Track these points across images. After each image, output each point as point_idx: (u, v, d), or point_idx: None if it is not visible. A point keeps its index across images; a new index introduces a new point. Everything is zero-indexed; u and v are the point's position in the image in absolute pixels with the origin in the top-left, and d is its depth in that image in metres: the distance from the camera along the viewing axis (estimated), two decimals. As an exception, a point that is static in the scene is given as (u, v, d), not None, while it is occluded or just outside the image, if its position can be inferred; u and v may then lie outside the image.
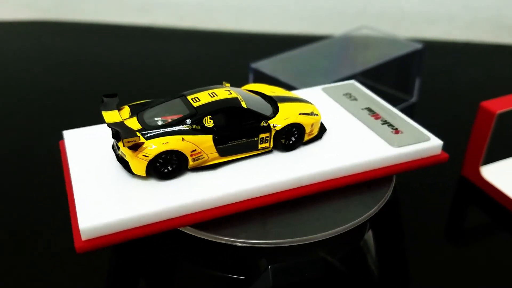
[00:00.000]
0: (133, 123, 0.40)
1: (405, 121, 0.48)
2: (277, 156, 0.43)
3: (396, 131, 0.46)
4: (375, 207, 0.42)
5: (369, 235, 0.46)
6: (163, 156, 0.38)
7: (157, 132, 0.39)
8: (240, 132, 0.41)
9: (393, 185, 0.45)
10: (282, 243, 0.39)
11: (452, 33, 1.08)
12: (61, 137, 0.48)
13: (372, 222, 0.47)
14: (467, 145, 0.58)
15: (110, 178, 0.40)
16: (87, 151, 0.44)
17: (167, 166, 0.39)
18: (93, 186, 0.39)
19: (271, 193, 0.40)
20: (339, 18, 1.11)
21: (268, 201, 0.40)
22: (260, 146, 0.42)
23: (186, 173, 0.41)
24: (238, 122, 0.41)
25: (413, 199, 0.55)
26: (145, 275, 0.45)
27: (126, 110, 0.43)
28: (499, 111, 0.53)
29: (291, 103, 0.45)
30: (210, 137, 0.40)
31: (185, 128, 0.40)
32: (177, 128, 0.39)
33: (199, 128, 0.40)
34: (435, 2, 1.08)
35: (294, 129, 0.43)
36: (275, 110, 0.44)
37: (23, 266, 0.46)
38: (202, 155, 0.40)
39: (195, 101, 0.41)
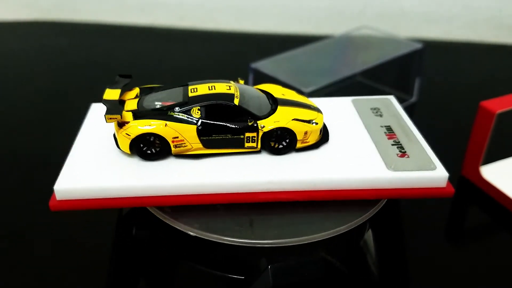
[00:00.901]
0: (132, 104, 0.43)
1: (420, 146, 0.44)
2: (265, 158, 0.43)
3: (403, 154, 0.43)
4: (375, 207, 0.42)
5: (369, 235, 0.46)
6: (147, 137, 0.41)
7: (145, 115, 0.41)
8: (225, 127, 0.41)
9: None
10: (282, 243, 0.39)
11: (452, 33, 1.08)
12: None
13: (372, 222, 0.47)
14: (467, 145, 0.58)
15: (105, 153, 0.43)
16: (101, 125, 0.46)
17: (150, 148, 0.42)
18: (87, 156, 0.43)
19: (244, 191, 0.40)
20: (339, 18, 1.11)
21: (240, 199, 0.40)
22: (246, 144, 0.42)
23: (176, 159, 0.42)
24: (224, 117, 0.42)
25: (412, 199, 0.55)
26: (145, 275, 0.45)
27: (135, 91, 0.46)
28: (499, 111, 0.53)
29: (292, 107, 0.44)
30: (194, 127, 0.41)
31: (171, 115, 0.41)
32: (165, 114, 0.41)
33: (185, 117, 0.41)
34: (435, 2, 1.08)
35: (286, 133, 0.42)
36: (272, 112, 0.44)
37: (22, 266, 0.46)
38: (184, 143, 0.42)
39: (192, 91, 0.43)
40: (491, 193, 0.55)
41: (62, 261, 0.47)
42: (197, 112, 0.41)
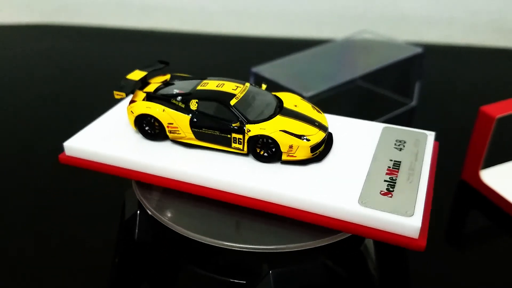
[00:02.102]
0: (152, 87, 0.48)
1: (414, 191, 0.39)
2: (255, 164, 0.43)
3: (388, 192, 0.38)
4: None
5: (369, 240, 0.46)
6: (148, 118, 0.45)
7: (153, 98, 0.46)
8: (214, 124, 0.43)
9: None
10: (283, 248, 0.39)
11: (452, 37, 1.08)
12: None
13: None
14: (466, 149, 0.58)
15: (120, 127, 0.48)
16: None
17: (150, 128, 0.45)
18: (103, 127, 0.48)
19: (213, 188, 0.41)
20: (339, 22, 1.11)
21: (206, 194, 0.42)
22: (233, 145, 0.43)
23: (175, 146, 0.45)
24: (217, 114, 0.43)
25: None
26: (147, 279, 0.46)
27: (166, 77, 0.50)
28: (498, 116, 0.53)
29: (290, 119, 0.43)
30: (187, 117, 0.44)
31: (173, 103, 0.45)
32: (168, 101, 0.45)
33: (183, 106, 0.44)
34: (436, 6, 1.09)
35: (271, 142, 0.42)
36: (267, 119, 0.43)
37: (24, 267, 0.46)
38: (178, 130, 0.44)
39: (202, 85, 0.45)
40: (491, 197, 0.56)
41: (64, 262, 0.47)
42: (195, 105, 0.44)
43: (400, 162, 0.42)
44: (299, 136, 0.42)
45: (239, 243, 0.39)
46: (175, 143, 0.45)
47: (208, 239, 0.40)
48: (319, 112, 0.46)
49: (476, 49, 1.04)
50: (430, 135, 0.47)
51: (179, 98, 0.44)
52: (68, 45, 1.05)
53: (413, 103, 0.77)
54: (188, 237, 0.40)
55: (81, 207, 0.55)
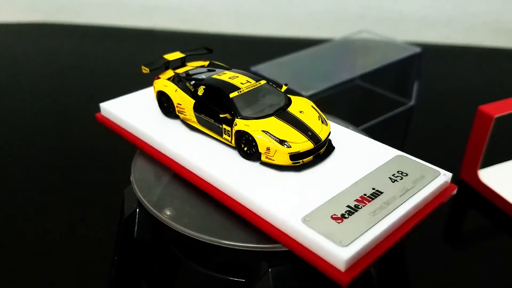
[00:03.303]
0: (184, 69, 0.51)
1: (367, 224, 0.35)
2: (238, 158, 0.43)
3: (339, 218, 0.36)
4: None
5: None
6: (166, 95, 0.48)
7: (175, 78, 0.49)
8: (211, 112, 0.44)
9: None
10: (282, 246, 0.39)
11: (450, 37, 1.09)
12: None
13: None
14: (465, 148, 0.58)
15: (152, 102, 0.52)
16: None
17: (167, 105, 0.49)
18: (141, 99, 0.53)
19: (192, 172, 0.43)
20: (338, 22, 1.11)
21: (184, 175, 0.44)
22: (224, 135, 0.44)
23: (188, 130, 0.47)
24: (217, 103, 0.44)
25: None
26: (146, 276, 0.46)
27: (204, 63, 0.53)
28: (497, 115, 0.53)
29: (282, 122, 0.42)
30: (193, 101, 0.46)
31: (186, 85, 0.47)
32: (184, 83, 0.47)
33: (192, 90, 0.46)
34: (434, 7, 1.09)
35: (252, 140, 0.42)
36: (260, 118, 0.43)
37: (24, 265, 0.46)
38: (184, 112, 0.47)
39: (218, 74, 0.47)
40: (489, 197, 0.56)
41: (65, 259, 0.47)
42: (201, 91, 0.45)
43: (381, 193, 0.38)
44: (280, 141, 0.40)
45: (239, 241, 0.39)
46: (183, 123, 0.48)
47: (207, 237, 0.40)
48: (324, 123, 0.44)
49: (474, 49, 1.04)
50: (444, 175, 0.41)
51: (192, 82, 0.47)
52: (68, 44, 1.05)
53: (412, 102, 0.78)
54: (187, 235, 0.40)
55: (80, 205, 0.55)
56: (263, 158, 0.41)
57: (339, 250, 0.33)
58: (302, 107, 0.45)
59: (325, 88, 0.63)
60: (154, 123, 0.49)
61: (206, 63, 0.53)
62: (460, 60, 1.00)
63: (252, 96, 0.44)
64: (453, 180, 0.59)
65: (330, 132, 0.44)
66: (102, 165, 0.62)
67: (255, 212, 0.38)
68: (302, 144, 0.41)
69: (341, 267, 0.33)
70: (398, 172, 0.41)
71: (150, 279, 0.46)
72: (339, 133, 0.47)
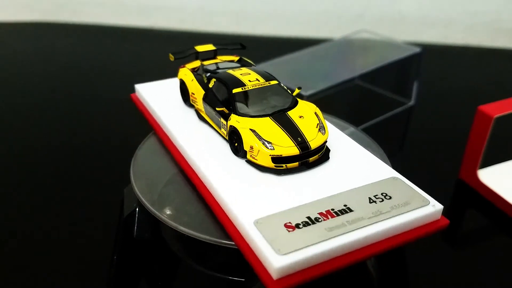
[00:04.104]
0: (212, 61, 0.53)
1: (316, 238, 0.34)
2: (228, 152, 0.44)
3: (293, 227, 0.34)
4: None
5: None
6: (184, 84, 0.51)
7: (198, 70, 0.51)
8: (214, 104, 0.45)
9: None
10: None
11: (450, 37, 1.09)
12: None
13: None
14: (464, 148, 0.58)
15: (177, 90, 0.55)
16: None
17: (185, 93, 0.51)
18: (169, 86, 0.57)
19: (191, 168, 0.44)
20: (338, 22, 1.11)
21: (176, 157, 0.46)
22: (221, 129, 0.45)
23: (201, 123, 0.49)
24: (222, 97, 0.45)
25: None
26: (145, 276, 0.46)
27: (235, 58, 0.54)
28: (496, 115, 0.53)
29: (276, 124, 0.42)
30: (203, 92, 0.47)
31: (202, 76, 0.49)
32: (201, 74, 0.49)
33: (205, 82, 0.48)
34: (434, 6, 1.09)
35: (240, 137, 0.42)
36: (255, 116, 0.43)
37: (24, 265, 0.46)
38: (196, 101, 0.49)
39: (234, 70, 0.48)
40: (488, 196, 0.56)
41: (61, 261, 0.47)
42: (212, 83, 0.47)
43: (350, 211, 0.36)
44: (264, 142, 0.40)
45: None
46: (195, 112, 0.50)
47: (207, 237, 0.40)
48: (321, 131, 0.42)
49: (474, 49, 1.04)
50: (432, 206, 0.37)
51: (208, 74, 0.48)
52: (67, 44, 1.05)
53: (411, 102, 0.78)
54: (187, 235, 0.40)
55: (80, 205, 0.55)
56: (248, 156, 0.42)
57: (274, 257, 0.32)
58: (304, 112, 0.44)
59: (325, 88, 0.63)
60: (171, 110, 0.51)
61: (236, 58, 0.54)
62: (460, 60, 1.00)
63: (256, 94, 0.44)
64: (453, 179, 0.58)
65: (325, 141, 0.42)
66: (102, 164, 0.62)
67: (221, 206, 0.38)
68: (287, 148, 0.40)
69: (273, 275, 0.32)
70: (382, 194, 0.39)
71: (149, 278, 0.45)
72: (341, 142, 0.46)
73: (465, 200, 0.58)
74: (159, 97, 0.54)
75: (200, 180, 0.42)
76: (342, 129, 0.51)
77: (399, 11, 1.09)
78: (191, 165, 0.43)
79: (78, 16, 1.16)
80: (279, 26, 1.12)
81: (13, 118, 0.74)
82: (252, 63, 0.54)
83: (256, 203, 0.37)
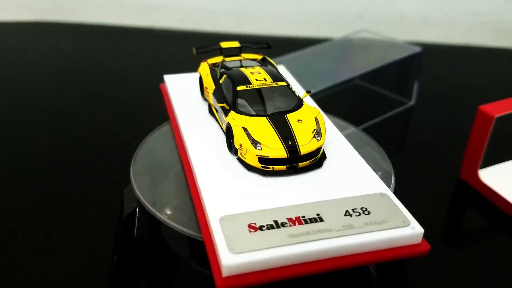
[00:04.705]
0: (233, 58, 0.53)
1: (272, 243, 0.33)
2: (223, 146, 0.45)
3: (255, 228, 0.34)
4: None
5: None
6: (201, 78, 0.52)
7: (217, 66, 0.52)
8: (219, 99, 0.46)
9: (392, 189, 0.45)
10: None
11: (450, 36, 1.09)
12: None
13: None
14: (465, 148, 0.58)
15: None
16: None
17: (202, 87, 0.53)
18: (191, 79, 0.57)
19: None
20: (338, 22, 1.11)
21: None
22: (223, 125, 0.46)
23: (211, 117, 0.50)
24: (225, 93, 0.46)
25: (411, 203, 0.56)
26: (146, 276, 0.46)
27: (258, 56, 0.55)
28: (497, 115, 0.53)
29: (270, 125, 0.42)
30: (213, 87, 0.48)
31: (216, 72, 0.50)
32: (216, 70, 0.51)
33: (217, 77, 0.49)
34: (434, 6, 1.09)
35: (232, 134, 0.42)
36: (253, 116, 0.43)
37: (24, 265, 0.46)
38: (209, 95, 0.50)
39: (247, 68, 0.48)
40: (489, 196, 0.56)
41: (61, 261, 0.47)
42: (223, 79, 0.48)
43: (321, 221, 0.35)
44: (253, 141, 0.40)
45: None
46: (208, 106, 0.50)
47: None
48: (317, 137, 0.41)
49: (474, 49, 1.04)
50: (411, 228, 0.35)
51: (222, 70, 0.49)
52: (67, 43, 1.05)
53: (412, 102, 0.78)
54: (187, 235, 0.40)
55: (80, 205, 0.55)
56: (238, 153, 0.42)
57: (225, 254, 0.32)
58: (304, 117, 0.43)
59: (325, 87, 0.63)
60: (188, 102, 0.52)
61: (260, 57, 0.54)
62: (460, 60, 1.00)
63: (260, 94, 0.44)
64: (453, 179, 0.58)
65: (319, 148, 0.41)
66: (102, 164, 0.62)
67: (200, 198, 0.39)
68: (275, 150, 0.40)
69: (222, 272, 0.32)
70: (361, 208, 0.37)
71: (149, 278, 0.45)
72: (339, 147, 0.45)
73: (466, 200, 0.58)
74: (181, 89, 0.55)
75: (190, 171, 0.42)
76: (342, 129, 0.51)
77: (399, 11, 1.09)
78: (187, 156, 0.44)
79: (78, 16, 1.16)
80: (279, 26, 1.12)
81: (13, 118, 0.74)
82: (274, 63, 0.54)
83: (229, 200, 0.37)
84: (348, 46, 0.81)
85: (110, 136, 0.69)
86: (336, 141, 0.46)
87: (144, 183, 0.45)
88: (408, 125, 0.76)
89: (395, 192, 0.46)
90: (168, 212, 0.42)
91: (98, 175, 0.60)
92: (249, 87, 0.44)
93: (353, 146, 0.45)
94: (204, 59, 0.54)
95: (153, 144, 0.51)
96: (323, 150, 0.43)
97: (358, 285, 0.45)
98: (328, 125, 0.47)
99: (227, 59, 0.53)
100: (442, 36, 1.09)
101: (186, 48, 1.03)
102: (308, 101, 0.53)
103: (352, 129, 0.55)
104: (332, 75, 0.67)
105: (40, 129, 0.71)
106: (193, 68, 0.58)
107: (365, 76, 0.75)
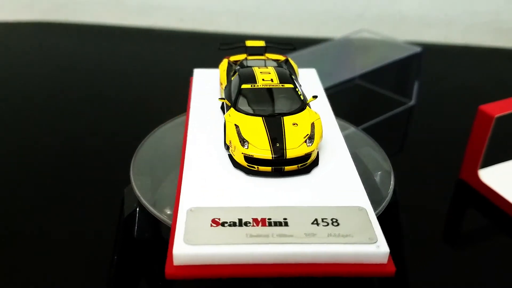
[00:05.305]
0: (255, 57, 0.54)
1: (233, 239, 0.33)
2: (220, 143, 0.45)
3: (217, 223, 0.35)
4: (376, 212, 0.42)
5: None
6: (220, 74, 0.53)
7: (236, 63, 0.53)
8: (227, 96, 0.47)
9: (392, 189, 0.45)
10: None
11: (450, 36, 1.09)
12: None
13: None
14: (465, 148, 0.58)
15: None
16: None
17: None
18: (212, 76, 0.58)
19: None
20: (338, 21, 1.11)
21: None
22: None
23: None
24: (232, 89, 0.46)
25: (412, 203, 0.56)
26: (147, 277, 0.46)
27: (280, 57, 0.55)
28: (497, 115, 0.53)
29: (263, 125, 0.41)
30: (226, 83, 0.50)
31: (231, 69, 0.51)
32: (235, 66, 0.52)
33: (231, 75, 0.50)
34: (434, 6, 1.09)
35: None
36: (251, 115, 0.43)
37: (24, 265, 0.46)
38: (221, 91, 0.51)
39: (259, 67, 0.49)
40: (489, 196, 0.56)
41: (61, 261, 0.47)
42: (234, 76, 0.48)
43: (286, 225, 0.35)
44: (241, 139, 0.40)
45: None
46: (222, 102, 0.50)
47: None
48: (309, 143, 0.40)
49: (474, 49, 1.04)
50: (376, 247, 0.34)
51: (237, 68, 0.50)
52: (67, 43, 1.05)
53: (412, 102, 0.78)
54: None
55: (80, 205, 0.55)
56: (229, 150, 0.42)
57: (178, 243, 0.33)
58: (301, 120, 0.42)
59: (325, 87, 0.63)
60: (205, 96, 0.52)
61: (283, 58, 0.55)
62: (460, 59, 1.00)
63: (264, 94, 0.44)
64: (453, 179, 0.58)
65: (308, 154, 0.40)
66: (102, 164, 0.62)
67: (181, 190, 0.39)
68: (261, 150, 0.39)
69: (173, 260, 0.32)
70: (332, 219, 0.36)
71: (149, 278, 0.45)
72: (335, 152, 0.44)
73: (466, 200, 0.58)
74: (204, 84, 0.55)
75: (183, 165, 0.42)
76: (342, 129, 0.51)
77: (399, 11, 1.09)
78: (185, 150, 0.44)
79: (78, 16, 1.16)
80: (279, 26, 1.12)
81: (13, 118, 0.74)
82: (295, 66, 0.54)
83: (206, 193, 0.37)
84: (348, 46, 0.81)
85: (110, 136, 0.69)
86: (334, 145, 0.44)
87: (144, 183, 0.45)
88: (408, 125, 0.76)
89: (395, 192, 0.46)
90: (168, 212, 0.42)
91: (98, 175, 0.60)
92: (254, 86, 0.44)
93: (353, 146, 0.45)
94: (228, 55, 0.55)
95: (153, 144, 0.51)
96: (318, 156, 0.42)
97: (358, 285, 0.45)
98: (328, 126, 0.47)
99: (250, 57, 0.53)
100: (442, 36, 1.09)
101: (186, 48, 1.03)
102: (319, 106, 0.49)
103: (352, 129, 0.55)
104: (332, 75, 0.67)
105: (40, 129, 0.71)
106: (193, 68, 0.58)
107: (365, 76, 0.75)
